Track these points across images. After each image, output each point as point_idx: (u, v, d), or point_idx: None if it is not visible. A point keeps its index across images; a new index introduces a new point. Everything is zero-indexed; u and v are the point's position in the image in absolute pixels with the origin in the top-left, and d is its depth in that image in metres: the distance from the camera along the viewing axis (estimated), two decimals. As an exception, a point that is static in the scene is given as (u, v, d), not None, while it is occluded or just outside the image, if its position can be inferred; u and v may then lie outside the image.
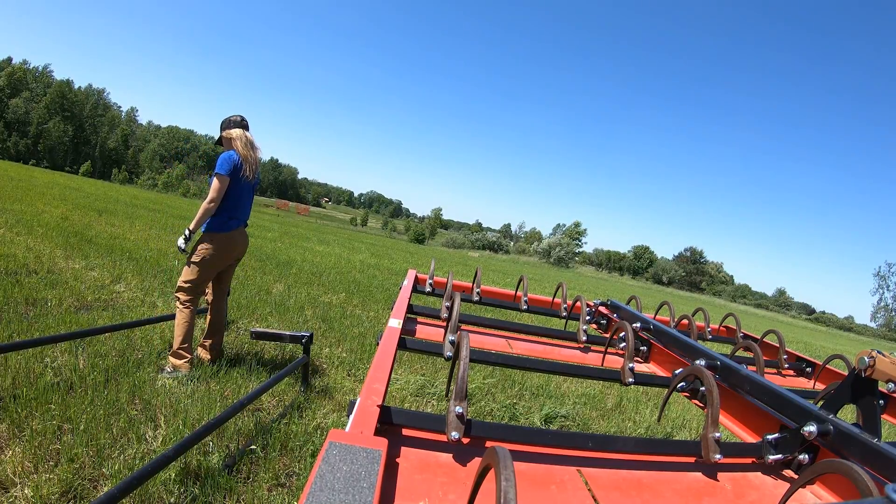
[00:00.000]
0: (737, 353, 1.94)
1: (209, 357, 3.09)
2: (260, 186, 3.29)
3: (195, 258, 2.88)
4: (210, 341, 3.10)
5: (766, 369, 1.82)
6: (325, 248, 13.63)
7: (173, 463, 1.78)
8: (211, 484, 1.87)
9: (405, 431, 0.87)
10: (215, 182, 2.83)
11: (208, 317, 3.13)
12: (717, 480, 0.93)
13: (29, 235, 6.08)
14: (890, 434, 4.36)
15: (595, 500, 0.79)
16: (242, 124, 3.04)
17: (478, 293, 2.15)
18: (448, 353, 1.21)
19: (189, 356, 2.86)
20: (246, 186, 2.99)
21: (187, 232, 2.88)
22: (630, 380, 1.34)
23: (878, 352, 1.05)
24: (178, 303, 2.90)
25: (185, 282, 2.89)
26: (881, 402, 1.51)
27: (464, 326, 1.66)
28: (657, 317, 2.28)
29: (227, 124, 3.03)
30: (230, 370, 2.97)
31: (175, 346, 2.84)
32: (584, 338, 1.79)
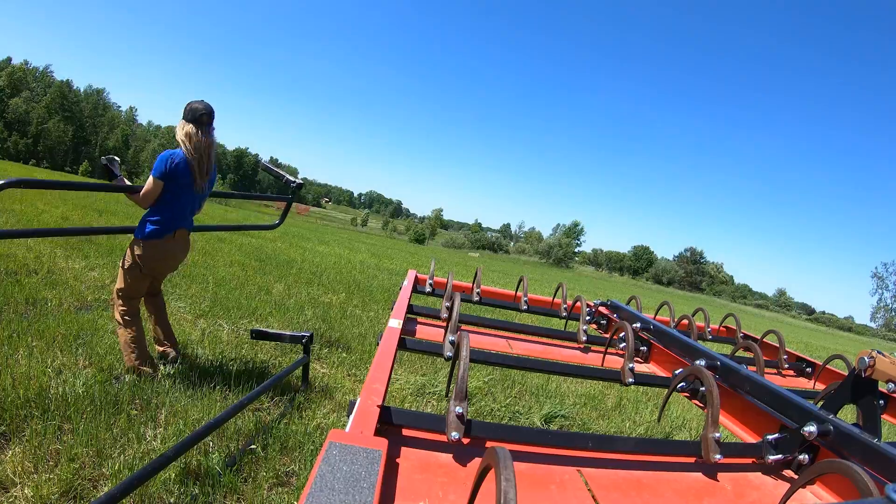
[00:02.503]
0: (737, 354, 1.94)
1: (173, 353, 2.87)
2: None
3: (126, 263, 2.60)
4: (166, 343, 2.89)
5: (767, 369, 1.82)
6: (325, 248, 13.63)
7: (173, 463, 1.78)
8: (211, 483, 1.87)
9: (405, 431, 0.87)
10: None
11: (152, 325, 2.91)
12: (718, 480, 0.93)
13: (29, 235, 6.07)
14: (890, 434, 4.36)
15: (595, 500, 0.79)
16: (202, 117, 2.57)
17: (478, 293, 2.15)
18: (448, 353, 1.21)
19: (145, 363, 2.63)
20: (195, 191, 2.66)
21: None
22: (630, 380, 1.34)
23: (877, 352, 1.05)
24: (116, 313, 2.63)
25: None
26: (881, 402, 1.52)
27: (464, 326, 1.66)
28: (657, 317, 2.28)
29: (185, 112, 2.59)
30: (230, 370, 2.96)
31: (128, 364, 2.60)
32: (584, 338, 1.79)
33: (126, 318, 2.61)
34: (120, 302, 2.62)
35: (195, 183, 2.59)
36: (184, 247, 2.76)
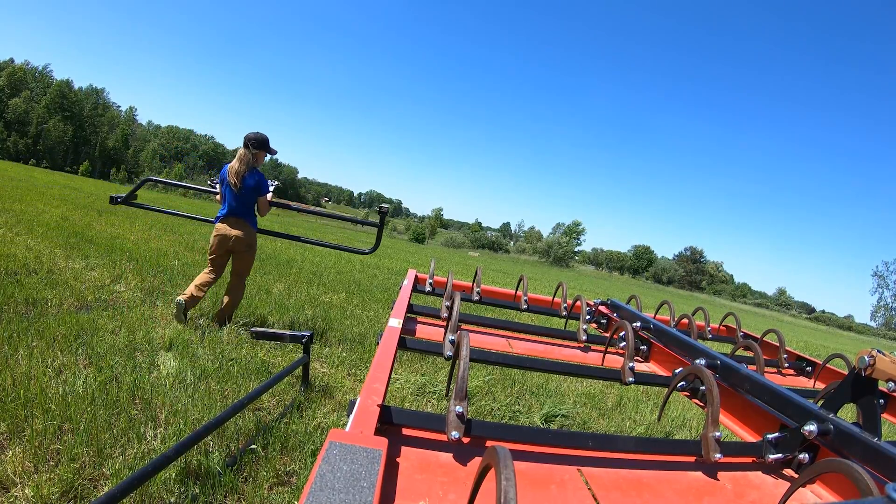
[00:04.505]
0: (737, 353, 1.94)
1: (216, 319, 3.86)
2: (251, 192, 3.76)
3: None
4: (221, 307, 3.87)
5: (767, 369, 1.82)
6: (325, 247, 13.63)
7: (174, 463, 1.78)
8: (212, 483, 1.87)
9: (405, 431, 0.87)
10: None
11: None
12: (718, 480, 0.93)
13: (29, 235, 6.08)
14: (890, 433, 4.36)
15: (595, 499, 0.79)
16: (244, 141, 3.72)
17: (478, 293, 2.15)
18: (448, 352, 1.21)
19: (185, 295, 3.64)
20: (233, 191, 3.70)
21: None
22: (630, 379, 1.34)
23: (878, 351, 1.05)
24: None
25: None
26: (881, 401, 1.52)
27: (464, 326, 1.66)
28: (657, 316, 2.29)
29: None
30: (230, 370, 2.97)
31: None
32: (585, 337, 1.79)
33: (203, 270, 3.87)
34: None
35: (231, 183, 3.65)
36: (236, 229, 3.72)
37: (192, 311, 3.97)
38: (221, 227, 3.70)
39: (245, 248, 3.77)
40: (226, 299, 3.85)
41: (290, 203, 4.23)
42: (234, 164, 3.67)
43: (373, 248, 4.17)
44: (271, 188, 3.95)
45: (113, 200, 4.16)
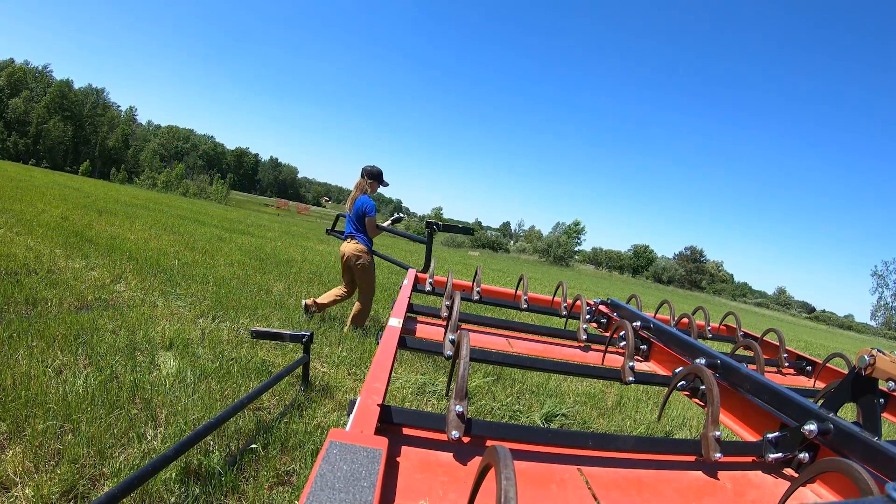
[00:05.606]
0: (737, 352, 1.94)
1: (351, 323, 4.36)
2: (358, 214, 4.28)
3: None
4: (353, 312, 4.36)
5: (767, 368, 1.82)
6: (325, 247, 13.62)
7: (174, 462, 1.78)
8: (212, 483, 1.87)
9: (405, 430, 0.87)
10: None
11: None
12: (718, 479, 0.93)
13: (29, 235, 6.07)
14: (890, 432, 4.36)
15: (595, 498, 0.79)
16: (361, 172, 4.35)
17: (478, 292, 2.15)
18: (448, 351, 1.21)
19: (310, 299, 4.46)
20: (349, 214, 4.34)
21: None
22: (630, 378, 1.34)
23: (878, 350, 1.05)
24: None
25: None
26: (881, 400, 1.52)
27: (464, 325, 1.66)
28: (657, 315, 2.29)
29: None
30: (230, 369, 2.97)
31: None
32: (585, 336, 1.79)
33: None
34: None
35: (347, 207, 4.36)
36: (346, 246, 4.27)
37: (200, 311, 3.97)
38: (341, 245, 4.36)
39: (354, 263, 4.23)
40: (357, 305, 4.36)
41: (395, 228, 4.86)
42: (352, 192, 4.36)
43: (424, 267, 4.15)
44: (392, 217, 4.75)
45: (327, 232, 5.33)
